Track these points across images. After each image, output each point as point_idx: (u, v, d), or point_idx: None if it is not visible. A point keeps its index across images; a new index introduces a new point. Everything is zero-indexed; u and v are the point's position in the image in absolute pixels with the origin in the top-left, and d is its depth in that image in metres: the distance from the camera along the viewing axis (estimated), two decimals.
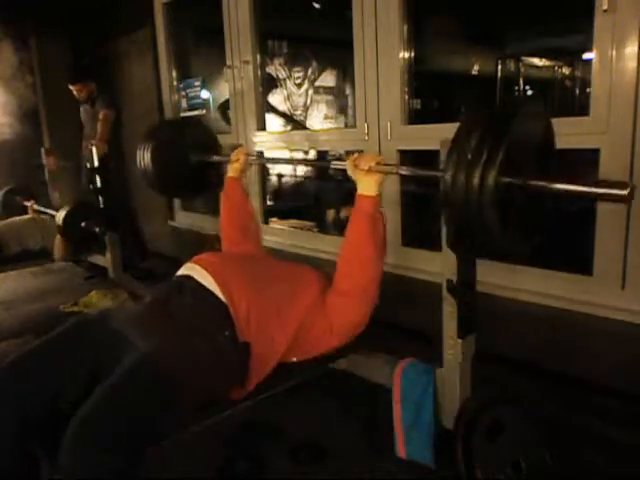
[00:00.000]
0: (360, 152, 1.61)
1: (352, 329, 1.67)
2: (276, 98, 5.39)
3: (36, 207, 4.18)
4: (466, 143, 1.15)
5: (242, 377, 1.52)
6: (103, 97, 4.31)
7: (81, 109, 4.49)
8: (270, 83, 4.98)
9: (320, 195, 5.46)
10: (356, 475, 1.70)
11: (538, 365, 2.06)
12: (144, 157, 2.22)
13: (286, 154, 5.14)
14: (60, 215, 3.81)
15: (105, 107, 4.26)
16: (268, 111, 4.24)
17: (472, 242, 1.37)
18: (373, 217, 1.59)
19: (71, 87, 4.32)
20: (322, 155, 5.39)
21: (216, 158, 2.27)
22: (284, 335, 1.59)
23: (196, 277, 1.62)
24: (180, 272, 1.72)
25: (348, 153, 2.12)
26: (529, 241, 1.31)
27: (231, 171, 2.16)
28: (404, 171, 1.54)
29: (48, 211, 4.15)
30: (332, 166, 1.82)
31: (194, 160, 2.27)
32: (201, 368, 1.41)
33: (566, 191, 1.18)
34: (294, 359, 1.65)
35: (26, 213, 4.26)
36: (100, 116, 4.20)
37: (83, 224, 3.77)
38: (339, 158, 3.62)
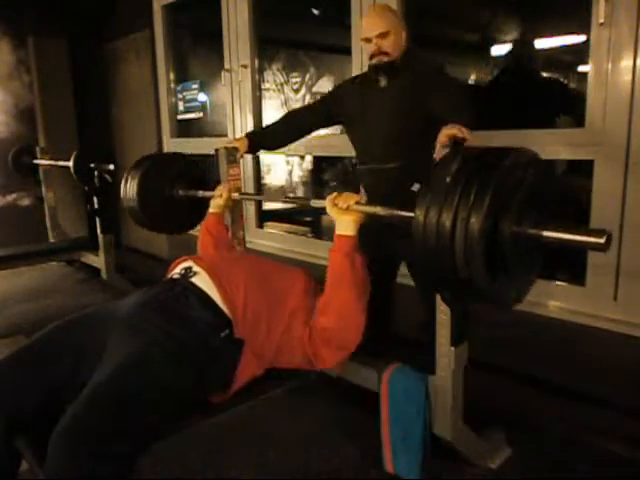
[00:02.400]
0: (340, 193, 1.60)
1: (330, 354, 1.61)
2: (273, 103, 5.40)
3: None
4: (447, 184, 1.10)
5: (229, 377, 1.51)
6: None
7: None
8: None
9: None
10: None
11: (530, 373, 2.06)
12: (128, 189, 2.19)
13: (281, 159, 5.15)
14: None
15: None
16: None
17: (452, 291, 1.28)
18: (351, 257, 1.57)
19: None
20: (319, 163, 5.42)
21: (201, 193, 2.22)
22: (275, 331, 1.58)
23: (192, 273, 1.62)
24: (176, 269, 1.71)
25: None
26: (517, 289, 1.25)
27: (213, 207, 2.12)
28: (382, 211, 1.50)
29: None
30: (312, 205, 1.80)
31: (179, 194, 2.24)
32: (191, 366, 1.41)
33: (547, 237, 1.13)
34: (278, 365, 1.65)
35: None
36: None
37: None
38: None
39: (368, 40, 1.89)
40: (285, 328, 1.60)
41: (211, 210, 2.13)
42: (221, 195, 2.09)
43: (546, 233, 1.12)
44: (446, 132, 1.52)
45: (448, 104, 1.74)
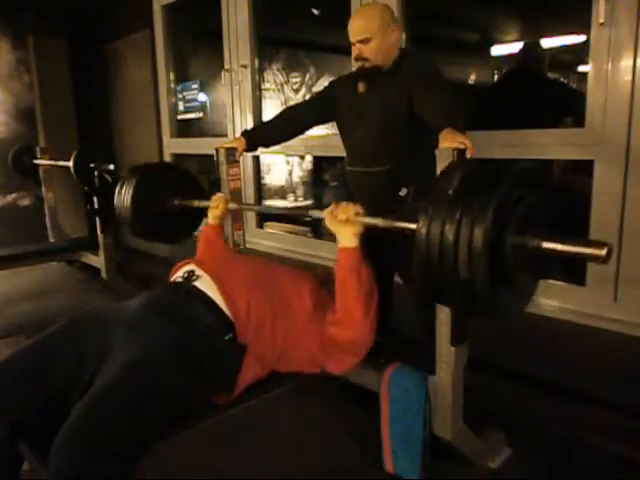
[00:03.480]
0: (338, 204, 1.56)
1: (342, 359, 1.65)
2: (273, 103, 5.40)
3: None
4: (450, 197, 1.10)
5: (232, 380, 1.51)
6: None
7: None
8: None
9: (315, 200, 5.48)
10: None
11: (528, 373, 2.06)
12: (123, 197, 2.16)
13: (281, 159, 5.15)
14: None
15: None
16: None
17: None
18: (357, 270, 1.55)
19: None
20: (319, 163, 5.41)
21: (197, 203, 2.17)
22: (279, 335, 1.59)
23: (195, 277, 1.62)
24: (179, 272, 1.71)
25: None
26: (519, 300, 1.26)
27: (210, 218, 2.08)
28: (382, 222, 1.48)
29: None
30: (310, 215, 1.77)
31: (175, 204, 2.21)
32: (194, 369, 1.41)
33: (549, 250, 1.14)
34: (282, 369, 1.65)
35: None
36: None
37: None
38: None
39: (352, 43, 1.86)
40: (290, 333, 1.60)
41: (209, 221, 2.09)
42: (217, 206, 2.04)
43: (548, 245, 1.13)
44: (446, 146, 1.45)
45: (431, 105, 1.69)
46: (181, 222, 2.29)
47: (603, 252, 1.05)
